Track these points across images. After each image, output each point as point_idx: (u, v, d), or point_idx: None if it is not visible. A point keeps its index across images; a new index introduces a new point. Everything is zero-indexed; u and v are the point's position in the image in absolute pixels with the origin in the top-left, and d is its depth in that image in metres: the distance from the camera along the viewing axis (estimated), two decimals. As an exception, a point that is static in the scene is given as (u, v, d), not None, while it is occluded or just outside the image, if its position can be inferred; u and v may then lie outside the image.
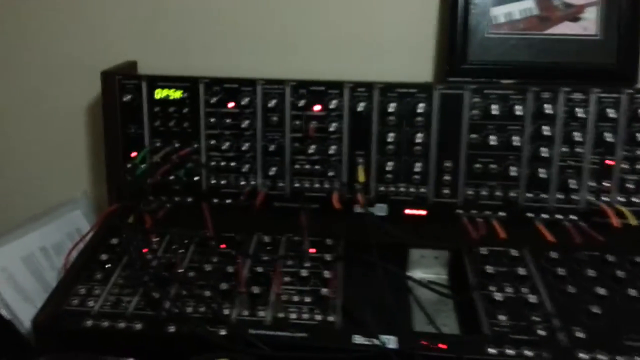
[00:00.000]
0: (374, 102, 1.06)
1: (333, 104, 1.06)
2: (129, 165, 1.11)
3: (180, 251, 1.03)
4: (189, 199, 1.12)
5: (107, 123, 1.11)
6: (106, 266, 0.99)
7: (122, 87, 1.10)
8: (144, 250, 1.02)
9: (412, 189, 1.07)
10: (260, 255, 1.01)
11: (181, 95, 1.09)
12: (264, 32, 1.22)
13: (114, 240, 1.05)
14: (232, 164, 1.10)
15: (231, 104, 1.08)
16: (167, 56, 1.23)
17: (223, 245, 1.04)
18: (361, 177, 1.06)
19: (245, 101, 1.07)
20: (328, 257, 1.01)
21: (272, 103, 1.07)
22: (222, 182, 1.10)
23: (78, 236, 1.16)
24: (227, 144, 1.09)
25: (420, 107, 1.04)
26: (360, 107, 1.06)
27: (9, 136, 1.31)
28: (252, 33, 1.22)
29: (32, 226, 1.10)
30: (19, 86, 1.28)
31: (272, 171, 1.09)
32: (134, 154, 1.11)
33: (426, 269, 1.07)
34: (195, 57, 1.23)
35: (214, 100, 1.08)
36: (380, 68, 1.18)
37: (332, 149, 1.07)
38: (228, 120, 1.09)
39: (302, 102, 1.06)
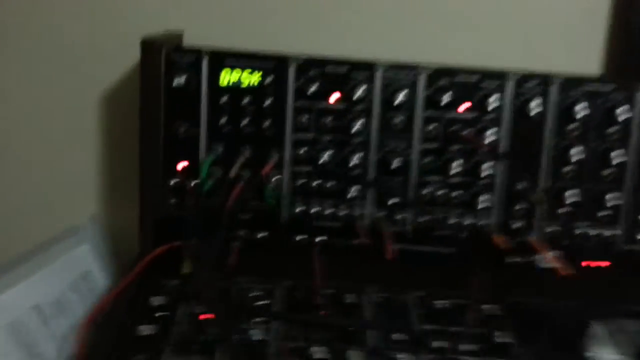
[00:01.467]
0: (550, 101, 0.73)
1: (492, 101, 0.72)
2: (173, 182, 0.74)
3: (265, 325, 0.65)
4: (260, 234, 0.75)
5: (145, 118, 0.74)
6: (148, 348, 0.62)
7: (170, 64, 0.73)
8: (200, 317, 0.65)
9: (593, 231, 0.74)
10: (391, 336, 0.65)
11: (259, 81, 0.73)
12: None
13: (156, 300, 0.68)
14: (331, 184, 0.74)
15: (335, 96, 0.73)
16: (226, 26, 0.87)
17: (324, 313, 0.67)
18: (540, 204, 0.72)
19: (357, 93, 0.72)
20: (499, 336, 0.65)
21: (399, 97, 0.72)
22: (314, 209, 0.75)
23: (87, 286, 0.78)
24: (326, 154, 0.73)
25: (619, 113, 0.72)
26: (532, 107, 0.72)
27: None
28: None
29: (20, 272, 0.71)
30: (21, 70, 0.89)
31: (392, 198, 0.74)
32: (181, 165, 0.74)
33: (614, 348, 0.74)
34: (262, 31, 0.88)
35: (310, 89, 0.73)
36: (528, 56, 0.85)
37: (485, 169, 0.73)
38: (329, 120, 0.73)
39: (444, 98, 0.72)
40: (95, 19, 0.87)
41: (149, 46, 0.72)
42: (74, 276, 0.78)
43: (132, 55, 0.74)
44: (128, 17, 0.86)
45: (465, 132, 0.72)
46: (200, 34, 0.84)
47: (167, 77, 0.73)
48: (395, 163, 0.73)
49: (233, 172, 0.70)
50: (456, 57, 0.80)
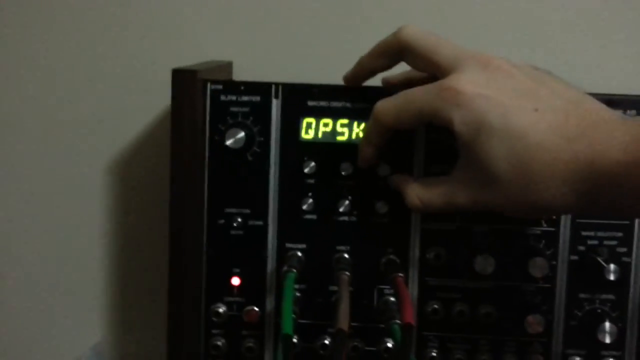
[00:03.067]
0: None
1: None
2: (221, 310, 0.43)
3: None
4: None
5: (176, 198, 0.44)
6: None
7: (220, 110, 0.43)
8: None
9: None
10: None
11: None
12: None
13: None
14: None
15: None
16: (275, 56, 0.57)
17: None
18: None
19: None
20: None
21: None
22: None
23: None
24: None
25: None
26: None
27: None
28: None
29: None
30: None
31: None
32: (236, 281, 0.44)
33: None
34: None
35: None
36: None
37: None
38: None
39: None
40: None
41: (183, 78, 0.43)
42: None
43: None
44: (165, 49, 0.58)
45: None
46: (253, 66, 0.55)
47: (214, 131, 0.44)
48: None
49: (344, 322, 0.37)
50: None
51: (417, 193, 0.40)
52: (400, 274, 0.42)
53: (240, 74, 0.55)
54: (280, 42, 0.56)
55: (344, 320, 0.37)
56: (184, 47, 0.56)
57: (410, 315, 0.37)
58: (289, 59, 0.56)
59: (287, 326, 0.37)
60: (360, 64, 0.42)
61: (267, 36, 0.56)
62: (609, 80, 0.55)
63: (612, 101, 0.39)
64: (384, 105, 0.39)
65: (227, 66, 0.55)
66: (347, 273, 0.42)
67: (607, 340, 0.42)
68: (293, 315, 0.41)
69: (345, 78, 0.43)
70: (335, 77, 0.44)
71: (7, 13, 0.58)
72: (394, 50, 0.40)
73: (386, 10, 0.56)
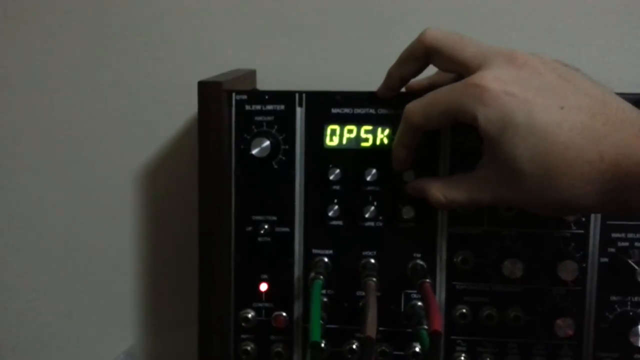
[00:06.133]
0: None
1: None
2: (250, 315, 0.44)
3: None
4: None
5: (205, 207, 0.45)
6: None
7: (244, 120, 0.44)
8: None
9: None
10: None
11: (391, 139, 0.42)
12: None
13: None
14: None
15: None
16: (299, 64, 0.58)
17: None
18: None
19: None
20: None
21: None
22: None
23: None
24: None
25: None
26: None
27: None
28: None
29: None
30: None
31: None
32: (264, 287, 0.44)
33: None
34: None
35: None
36: None
37: None
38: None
39: None
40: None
41: (210, 91, 0.44)
42: None
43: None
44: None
45: None
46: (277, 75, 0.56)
47: (239, 141, 0.44)
48: None
49: (372, 330, 0.37)
50: None
51: (440, 190, 0.40)
52: (428, 280, 0.42)
53: (264, 82, 0.56)
54: (303, 49, 0.56)
55: (372, 328, 0.37)
56: (208, 56, 0.57)
57: (438, 323, 0.37)
58: (312, 66, 0.56)
59: (316, 333, 0.38)
60: (389, 75, 0.42)
61: (290, 44, 0.57)
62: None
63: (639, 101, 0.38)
64: (412, 106, 0.39)
65: (251, 75, 0.55)
66: (374, 279, 0.42)
67: (640, 343, 0.42)
68: (321, 322, 0.42)
69: (378, 92, 0.43)
70: (358, 83, 0.44)
71: (39, 26, 0.59)
72: (420, 53, 0.40)
73: (407, 15, 0.55)
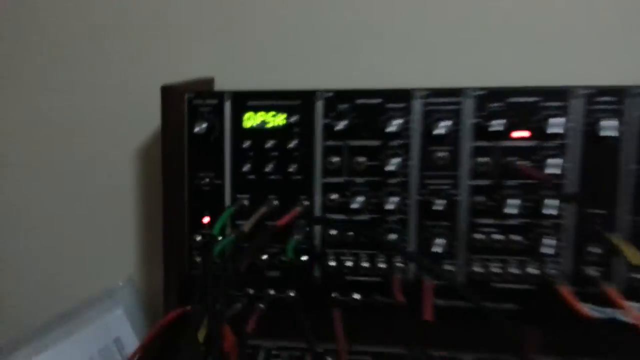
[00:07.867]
0: (626, 120, 0.59)
1: (554, 124, 0.60)
2: (198, 238, 0.68)
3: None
4: (290, 293, 0.66)
5: (168, 170, 0.69)
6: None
7: (193, 110, 0.69)
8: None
9: None
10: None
11: (285, 122, 0.66)
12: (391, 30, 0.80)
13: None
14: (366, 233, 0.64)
15: (365, 134, 0.65)
16: (255, 71, 0.83)
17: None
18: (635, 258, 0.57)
19: (393, 126, 0.63)
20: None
21: (441, 127, 0.62)
22: (347, 264, 0.65)
23: (119, 352, 0.73)
24: (360, 199, 0.64)
25: None
26: (604, 128, 0.59)
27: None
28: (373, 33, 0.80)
29: (53, 337, 0.68)
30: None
31: (437, 245, 0.63)
32: (206, 220, 0.68)
33: None
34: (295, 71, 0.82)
35: (339, 126, 0.65)
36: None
37: (550, 204, 0.60)
38: (362, 160, 0.64)
39: (495, 124, 0.61)
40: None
41: (170, 93, 0.69)
42: (104, 342, 0.74)
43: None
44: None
45: (522, 164, 0.60)
46: (230, 80, 0.81)
47: (189, 124, 0.69)
48: (438, 205, 0.62)
49: (247, 227, 0.62)
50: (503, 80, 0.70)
51: None
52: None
53: (222, 87, 0.81)
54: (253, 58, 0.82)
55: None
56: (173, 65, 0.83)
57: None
58: (259, 72, 0.82)
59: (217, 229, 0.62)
60: None
61: (243, 54, 0.82)
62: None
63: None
64: None
65: (210, 81, 0.80)
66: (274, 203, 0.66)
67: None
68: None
69: None
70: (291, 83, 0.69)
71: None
72: None
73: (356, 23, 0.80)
